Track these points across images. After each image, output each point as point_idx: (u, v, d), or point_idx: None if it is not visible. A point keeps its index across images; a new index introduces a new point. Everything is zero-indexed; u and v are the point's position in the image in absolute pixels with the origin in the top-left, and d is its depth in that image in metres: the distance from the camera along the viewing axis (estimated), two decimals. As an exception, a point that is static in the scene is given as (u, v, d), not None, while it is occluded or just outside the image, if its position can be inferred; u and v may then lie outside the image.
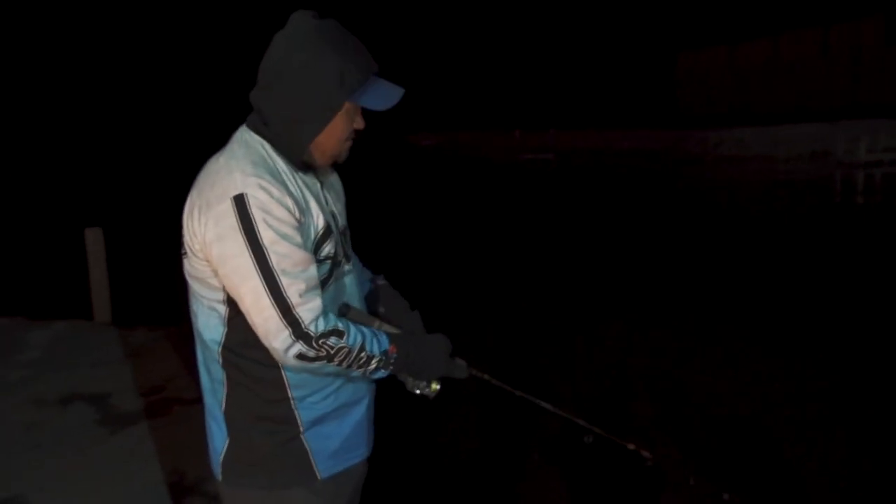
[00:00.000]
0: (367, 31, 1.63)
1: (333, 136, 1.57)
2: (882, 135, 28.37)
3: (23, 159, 34.03)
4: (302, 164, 1.59)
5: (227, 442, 1.63)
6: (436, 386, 1.71)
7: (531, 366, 5.94)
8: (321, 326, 1.48)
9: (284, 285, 1.45)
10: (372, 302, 1.83)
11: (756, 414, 4.71)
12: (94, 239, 6.99)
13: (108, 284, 6.91)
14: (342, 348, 1.50)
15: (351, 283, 1.70)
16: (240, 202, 1.44)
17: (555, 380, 5.54)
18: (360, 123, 1.61)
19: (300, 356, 1.47)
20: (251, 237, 1.44)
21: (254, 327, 1.50)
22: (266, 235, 1.44)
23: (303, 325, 1.46)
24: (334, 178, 1.80)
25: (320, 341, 1.47)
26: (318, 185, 1.64)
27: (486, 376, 1.75)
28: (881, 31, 42.89)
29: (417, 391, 1.71)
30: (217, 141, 1.65)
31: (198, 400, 1.69)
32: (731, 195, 20.77)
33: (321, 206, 1.60)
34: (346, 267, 1.68)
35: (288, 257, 1.46)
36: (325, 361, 1.50)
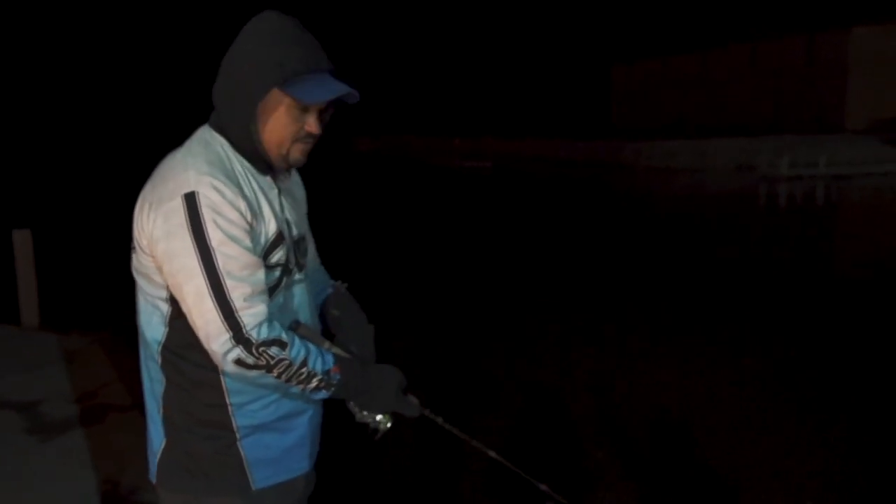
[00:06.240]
0: (315, 34, 1.63)
1: (276, 131, 1.55)
2: (803, 150, 29.78)
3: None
4: (261, 165, 1.59)
5: (164, 444, 1.60)
6: (387, 422, 1.62)
7: (468, 365, 6.07)
8: (263, 333, 1.44)
9: (229, 287, 1.42)
10: (327, 305, 1.79)
11: (687, 407, 4.96)
12: (21, 241, 6.80)
13: (36, 288, 6.72)
14: (283, 360, 1.45)
15: (301, 293, 1.66)
16: (190, 200, 1.42)
17: (493, 381, 5.68)
18: (312, 126, 1.56)
19: (239, 362, 1.42)
20: (199, 237, 1.41)
21: (195, 329, 1.45)
22: (214, 236, 1.42)
23: (244, 330, 1.42)
24: (295, 187, 1.79)
25: (261, 349, 1.43)
26: (276, 190, 1.63)
27: (439, 420, 1.67)
28: (803, 50, 44.99)
29: (368, 423, 1.62)
30: (150, 143, 1.65)
31: (132, 406, 1.70)
32: (660, 203, 21.50)
33: (275, 211, 1.57)
34: (298, 276, 1.64)
35: (235, 259, 1.43)
36: (263, 371, 1.45)
